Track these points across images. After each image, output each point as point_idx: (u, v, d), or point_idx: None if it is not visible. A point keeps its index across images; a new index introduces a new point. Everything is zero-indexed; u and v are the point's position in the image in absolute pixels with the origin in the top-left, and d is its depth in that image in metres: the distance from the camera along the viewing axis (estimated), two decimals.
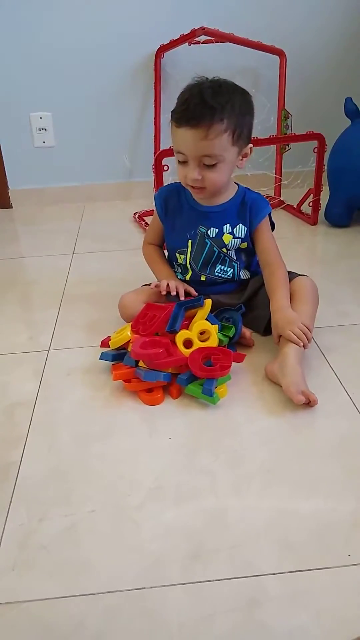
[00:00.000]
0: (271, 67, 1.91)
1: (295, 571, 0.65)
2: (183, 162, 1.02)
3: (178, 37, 1.77)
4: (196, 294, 1.11)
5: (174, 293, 1.09)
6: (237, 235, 1.12)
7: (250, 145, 1.05)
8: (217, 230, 1.11)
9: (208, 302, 1.07)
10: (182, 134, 0.98)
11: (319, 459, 0.81)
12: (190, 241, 1.13)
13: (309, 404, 0.90)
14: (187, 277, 1.16)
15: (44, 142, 2.05)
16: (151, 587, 0.63)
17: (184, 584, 0.63)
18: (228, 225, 1.11)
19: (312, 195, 1.73)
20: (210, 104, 0.95)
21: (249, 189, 1.15)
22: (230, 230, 1.11)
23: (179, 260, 1.17)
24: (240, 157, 1.04)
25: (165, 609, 0.61)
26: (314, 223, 1.76)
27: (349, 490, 0.75)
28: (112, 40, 1.92)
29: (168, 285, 1.10)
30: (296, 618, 0.60)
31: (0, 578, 0.65)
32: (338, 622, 0.59)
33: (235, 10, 1.88)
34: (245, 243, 1.13)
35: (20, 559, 0.68)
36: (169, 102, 1.92)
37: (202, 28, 1.64)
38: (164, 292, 1.10)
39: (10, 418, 0.93)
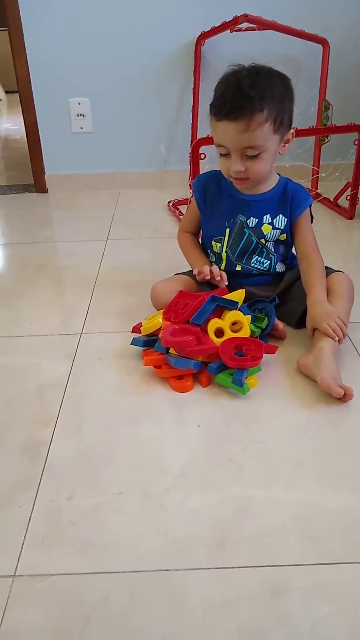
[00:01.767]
0: (313, 56, 1.87)
1: (320, 564, 0.64)
2: (225, 155, 1.01)
3: (220, 24, 1.75)
4: (226, 283, 1.10)
5: (218, 278, 1.09)
6: (276, 226, 1.11)
7: (292, 130, 1.04)
8: (256, 220, 1.11)
9: (241, 292, 1.07)
10: (222, 127, 0.97)
11: (349, 453, 0.81)
12: (228, 229, 1.13)
13: (344, 397, 0.89)
14: (222, 267, 1.16)
15: (81, 128, 2.06)
16: (176, 570, 0.64)
17: (209, 568, 0.64)
18: (268, 215, 1.10)
19: (350, 188, 1.69)
20: (249, 95, 0.93)
21: (290, 180, 1.13)
22: (270, 221, 1.10)
23: (215, 249, 1.16)
24: (283, 144, 1.03)
25: (189, 592, 0.62)
26: (351, 217, 1.73)
27: None
28: (152, 27, 1.91)
29: (211, 271, 1.09)
30: (319, 610, 0.60)
31: (29, 551, 0.67)
32: None
33: None
34: (285, 235, 1.12)
35: (49, 534, 0.69)
36: (209, 90, 1.89)
37: (245, 15, 1.61)
38: (207, 278, 1.09)
39: (41, 398, 0.95)
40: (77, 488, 0.76)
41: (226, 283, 1.09)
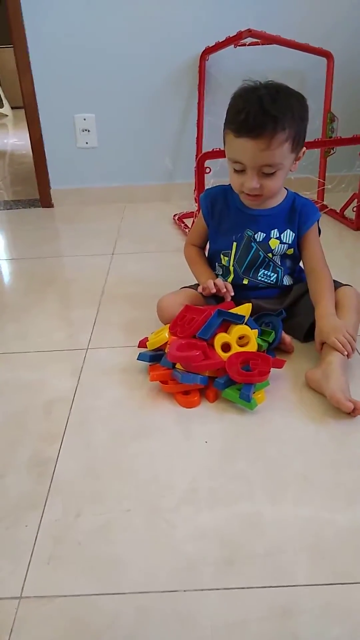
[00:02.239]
0: (318, 69, 1.88)
1: (331, 584, 0.63)
2: (239, 171, 1.01)
3: (224, 39, 1.77)
4: (232, 294, 1.10)
5: (223, 290, 1.08)
6: (284, 241, 1.11)
7: (304, 148, 1.04)
8: (264, 234, 1.10)
9: (248, 306, 1.06)
10: (241, 144, 0.96)
11: (357, 469, 0.79)
12: (235, 243, 1.13)
13: (353, 412, 0.88)
14: (229, 280, 1.16)
15: (86, 143, 2.08)
16: (184, 591, 0.63)
17: (218, 589, 0.63)
18: (276, 230, 1.10)
19: (356, 200, 1.69)
20: (272, 114, 0.93)
21: (298, 194, 1.13)
22: (278, 236, 1.10)
23: (223, 262, 1.16)
24: (295, 162, 1.03)
25: (199, 614, 0.61)
26: (357, 228, 1.73)
27: None
28: (157, 43, 1.93)
29: (215, 284, 1.09)
30: (329, 632, 0.58)
31: (36, 572, 0.67)
32: None
33: (281, 11, 1.87)
34: (292, 249, 1.12)
35: (55, 554, 0.69)
36: (213, 105, 1.94)
37: (249, 30, 1.63)
38: (213, 291, 1.09)
39: (48, 414, 0.95)
40: (84, 506, 0.75)
41: (232, 294, 1.09)
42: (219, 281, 1.10)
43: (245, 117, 0.94)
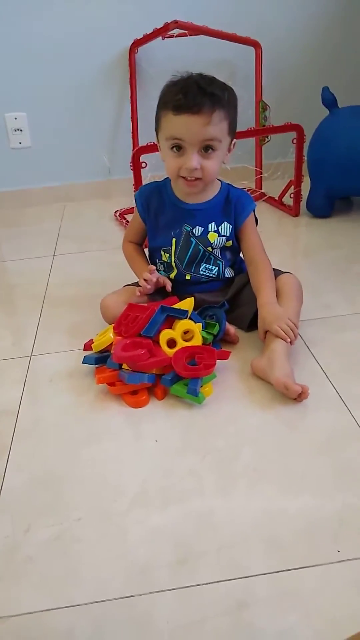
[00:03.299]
0: (247, 59, 1.89)
1: (284, 570, 0.64)
2: (178, 152, 1.00)
3: (151, 31, 1.75)
4: (170, 289, 1.10)
5: (159, 284, 1.09)
6: (222, 234, 1.11)
7: (235, 140, 1.05)
8: (202, 228, 1.10)
9: (190, 300, 1.06)
10: (182, 120, 0.96)
11: (306, 455, 0.81)
12: (174, 239, 1.12)
13: (300, 396, 0.89)
14: (172, 276, 1.15)
15: (20, 143, 2.02)
16: (140, 595, 0.63)
17: (173, 589, 0.63)
18: (213, 223, 1.10)
19: (293, 186, 1.72)
20: (211, 92, 0.96)
21: (231, 185, 1.13)
22: (216, 229, 1.10)
23: (163, 258, 1.15)
24: (227, 151, 1.04)
25: (155, 616, 0.60)
26: (296, 214, 1.75)
27: (336, 487, 0.75)
28: (85, 37, 1.89)
29: (156, 280, 1.08)
30: (286, 619, 0.59)
31: None
32: (328, 622, 0.58)
33: (208, 1, 1.86)
34: (231, 241, 1.12)
35: (6, 572, 0.67)
36: (146, 98, 1.91)
37: (175, 21, 1.61)
38: (151, 289, 1.09)
39: None
40: (34, 519, 0.73)
41: (169, 289, 1.10)
42: (155, 275, 1.09)
43: (184, 95, 0.95)
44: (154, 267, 1.12)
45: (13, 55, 1.88)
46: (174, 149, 1.00)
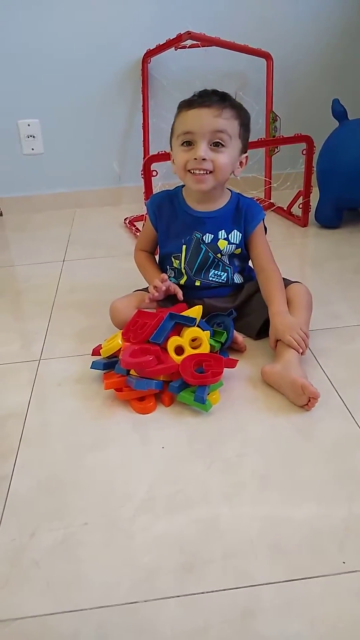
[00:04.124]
0: (258, 70, 1.91)
1: (289, 580, 0.64)
2: (188, 146, 1.02)
3: (164, 41, 1.77)
4: (182, 297, 1.11)
5: (170, 292, 1.10)
6: (232, 241, 1.12)
7: (247, 154, 1.08)
8: (212, 236, 1.11)
9: (199, 308, 1.07)
10: (193, 113, 1.00)
11: (312, 464, 0.81)
12: (184, 246, 1.13)
13: (308, 404, 0.90)
14: (182, 282, 1.16)
15: (32, 149, 2.04)
16: (145, 601, 0.63)
17: (178, 596, 0.63)
18: (223, 231, 1.11)
19: (301, 197, 1.73)
20: (223, 93, 1.02)
21: (241, 195, 1.14)
22: (225, 236, 1.11)
23: (174, 265, 1.16)
24: (239, 163, 1.06)
25: (159, 623, 0.60)
26: (305, 225, 1.76)
27: (342, 496, 0.75)
28: (99, 46, 1.92)
29: (166, 288, 1.09)
30: (290, 627, 0.59)
31: None
32: (333, 631, 0.58)
33: (221, 13, 1.89)
34: (240, 249, 1.13)
35: (12, 576, 0.67)
36: (157, 107, 1.93)
37: (188, 32, 1.63)
38: (160, 296, 1.09)
39: (1, 430, 0.93)
40: (40, 523, 0.74)
41: (181, 298, 1.11)
42: (167, 283, 1.10)
43: (199, 95, 1.02)
44: (166, 276, 1.12)
45: (27, 63, 1.91)
46: (184, 144, 1.02)
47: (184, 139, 1.02)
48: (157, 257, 1.23)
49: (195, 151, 1.01)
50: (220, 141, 1.00)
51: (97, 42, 1.91)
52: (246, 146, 1.07)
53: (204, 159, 1.00)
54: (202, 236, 1.11)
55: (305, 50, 1.98)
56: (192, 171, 1.03)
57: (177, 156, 1.05)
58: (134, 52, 1.92)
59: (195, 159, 1.01)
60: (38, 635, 0.60)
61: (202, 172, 1.02)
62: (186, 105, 1.02)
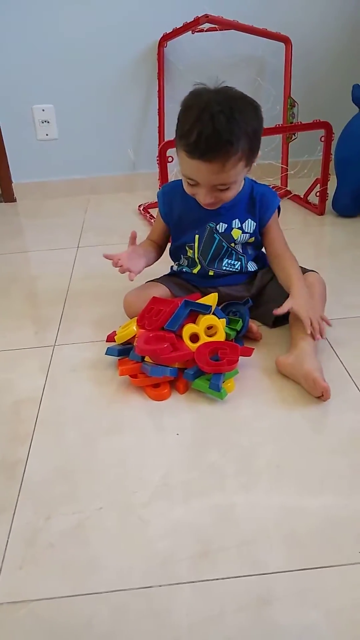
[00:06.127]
0: (276, 55, 1.88)
1: (305, 569, 0.64)
2: (193, 182, 0.99)
3: (181, 25, 1.74)
4: (134, 277, 1.07)
5: (118, 265, 1.07)
6: (246, 231, 1.10)
7: (259, 153, 1.02)
8: (226, 225, 1.10)
9: (214, 296, 1.06)
10: (195, 165, 0.94)
11: (329, 454, 0.80)
12: (197, 236, 1.11)
13: (322, 396, 0.89)
14: (195, 271, 1.15)
15: (47, 135, 2.03)
16: (159, 586, 0.63)
17: (193, 582, 0.63)
18: (237, 220, 1.09)
19: (319, 185, 1.70)
20: (226, 138, 0.90)
21: (255, 182, 1.12)
22: (239, 226, 1.10)
23: (188, 254, 1.15)
24: (249, 168, 1.02)
25: (174, 608, 0.60)
26: (321, 213, 1.74)
27: (358, 486, 0.74)
28: (114, 31, 1.89)
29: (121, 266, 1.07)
30: (306, 617, 0.59)
31: (8, 577, 0.65)
32: (348, 621, 0.58)
33: None
34: (253, 238, 1.11)
35: (27, 558, 0.67)
36: (173, 92, 1.91)
37: (206, 16, 1.61)
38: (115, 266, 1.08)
39: (16, 415, 0.93)
40: (55, 507, 0.74)
41: (132, 279, 1.07)
42: (118, 263, 1.08)
43: (197, 138, 0.90)
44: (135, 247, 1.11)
45: (42, 48, 1.90)
46: (190, 180, 0.99)
47: (189, 181, 0.99)
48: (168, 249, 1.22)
49: (200, 196, 1.00)
50: (224, 186, 0.98)
51: (112, 26, 1.88)
52: (257, 151, 0.99)
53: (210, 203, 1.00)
54: (216, 225, 1.10)
55: (325, 34, 1.94)
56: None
57: (184, 184, 1.02)
58: (150, 36, 1.89)
59: (200, 202, 1.00)
60: (52, 618, 0.61)
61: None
62: (186, 150, 0.93)
